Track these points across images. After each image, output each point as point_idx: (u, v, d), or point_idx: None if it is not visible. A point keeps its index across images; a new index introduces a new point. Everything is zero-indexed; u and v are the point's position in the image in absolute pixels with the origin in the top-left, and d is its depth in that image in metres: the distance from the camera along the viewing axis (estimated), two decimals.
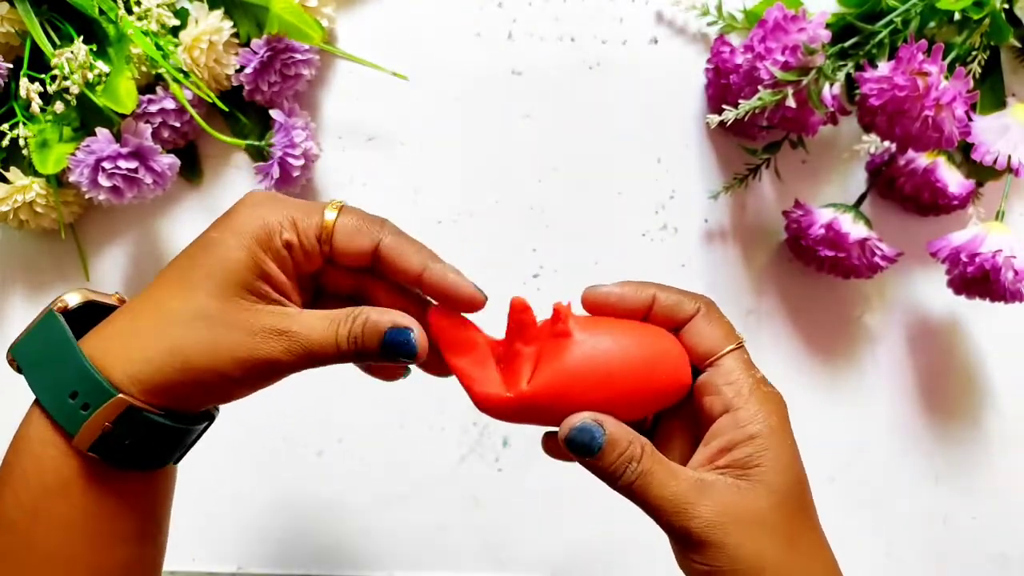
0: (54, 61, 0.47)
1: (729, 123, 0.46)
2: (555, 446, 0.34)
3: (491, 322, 0.36)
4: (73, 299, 0.33)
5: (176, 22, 0.49)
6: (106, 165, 0.48)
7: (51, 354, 0.31)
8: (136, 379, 0.30)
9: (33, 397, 0.31)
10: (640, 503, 0.32)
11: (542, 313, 0.35)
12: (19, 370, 0.32)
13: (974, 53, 0.52)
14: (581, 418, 0.32)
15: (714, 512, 0.30)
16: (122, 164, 0.48)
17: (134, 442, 0.30)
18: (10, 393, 0.33)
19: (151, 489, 0.33)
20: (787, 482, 0.32)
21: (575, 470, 0.34)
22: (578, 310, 0.35)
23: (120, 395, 0.30)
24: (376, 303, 0.35)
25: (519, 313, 0.34)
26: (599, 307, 0.35)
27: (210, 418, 0.34)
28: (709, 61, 0.55)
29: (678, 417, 0.35)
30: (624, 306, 0.34)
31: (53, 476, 0.30)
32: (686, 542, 0.31)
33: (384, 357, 0.32)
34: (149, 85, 0.52)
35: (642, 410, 0.34)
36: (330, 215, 0.32)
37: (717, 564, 0.30)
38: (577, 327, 0.33)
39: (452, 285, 0.33)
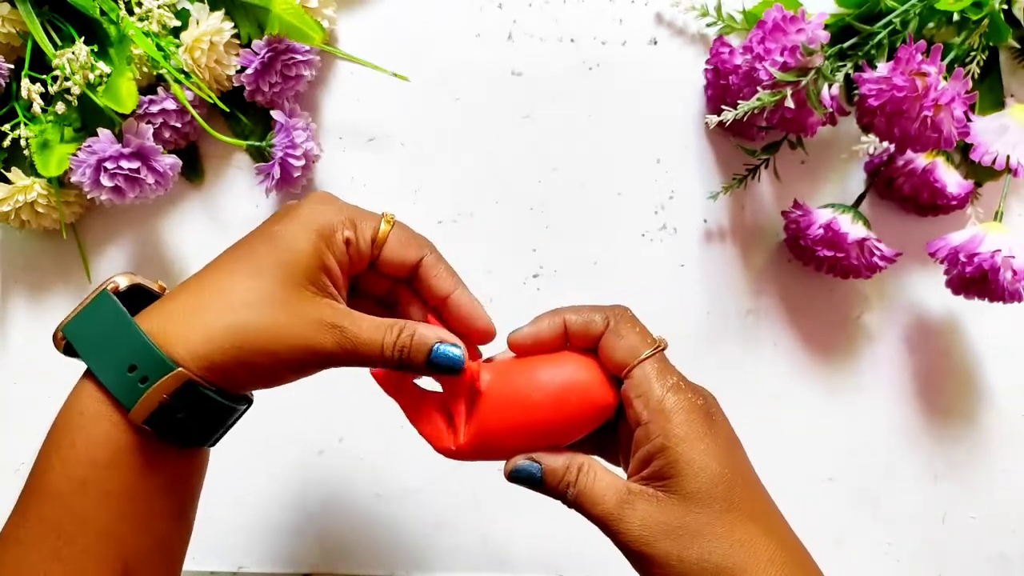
0: (55, 62, 0.47)
1: (728, 124, 0.46)
2: None
3: (496, 325, 0.37)
4: (123, 282, 0.34)
5: (177, 23, 0.49)
6: (108, 165, 0.48)
7: (107, 330, 0.32)
8: (196, 355, 0.31)
9: (77, 377, 0.32)
10: (587, 518, 0.34)
11: (544, 311, 0.36)
12: (66, 349, 0.33)
13: (973, 54, 0.52)
14: (514, 462, 0.35)
15: (636, 527, 0.32)
16: (124, 164, 0.48)
17: (187, 417, 0.32)
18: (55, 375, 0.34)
19: (191, 469, 0.35)
20: (703, 486, 0.32)
21: None
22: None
23: (180, 369, 0.31)
24: (403, 309, 0.38)
25: (445, 373, 0.36)
26: (523, 349, 0.37)
27: (249, 402, 0.35)
28: (708, 62, 0.55)
29: (626, 424, 0.36)
30: (542, 340, 0.36)
31: (103, 449, 0.31)
32: (624, 553, 0.33)
33: (430, 369, 0.34)
34: (150, 86, 0.52)
35: (571, 434, 0.35)
36: (384, 224, 0.36)
37: (651, 573, 0.32)
38: (491, 377, 0.36)
39: (473, 313, 0.36)
